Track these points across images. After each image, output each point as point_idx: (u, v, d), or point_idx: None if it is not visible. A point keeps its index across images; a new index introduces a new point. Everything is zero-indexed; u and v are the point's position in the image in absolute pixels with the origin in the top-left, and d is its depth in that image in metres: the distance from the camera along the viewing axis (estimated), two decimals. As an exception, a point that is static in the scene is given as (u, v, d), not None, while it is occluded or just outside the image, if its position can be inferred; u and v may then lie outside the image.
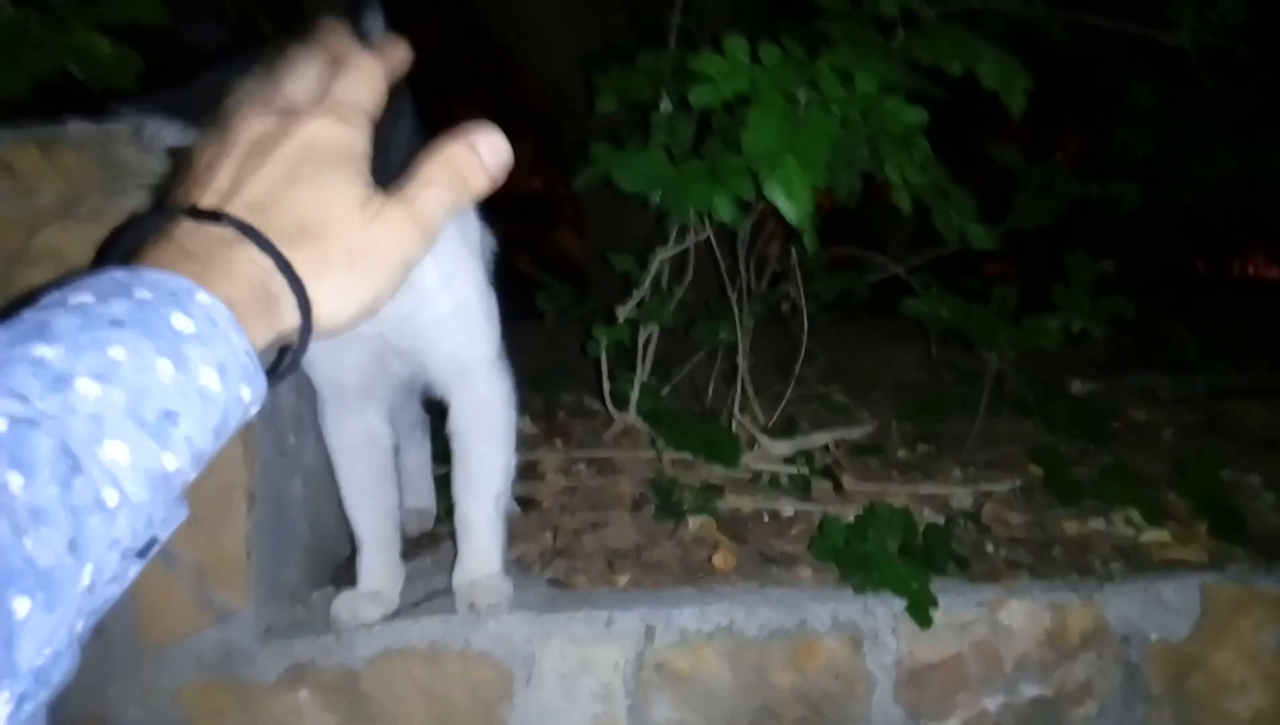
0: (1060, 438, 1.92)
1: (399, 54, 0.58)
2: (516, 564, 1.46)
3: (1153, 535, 1.50)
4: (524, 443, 2.01)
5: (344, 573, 1.41)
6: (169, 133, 0.68)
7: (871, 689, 1.28)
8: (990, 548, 1.50)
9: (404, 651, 1.24)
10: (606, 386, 1.77)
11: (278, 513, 1.29)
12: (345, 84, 0.54)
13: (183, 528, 1.28)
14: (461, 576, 1.27)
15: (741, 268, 1.82)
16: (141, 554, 0.44)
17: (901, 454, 2.01)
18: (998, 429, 2.10)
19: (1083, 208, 2.13)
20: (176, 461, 0.43)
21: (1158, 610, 1.32)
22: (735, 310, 1.78)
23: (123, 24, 1.25)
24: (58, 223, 1.22)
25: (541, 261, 2.40)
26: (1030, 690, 1.29)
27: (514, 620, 1.26)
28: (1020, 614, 1.29)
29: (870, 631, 1.28)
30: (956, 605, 1.29)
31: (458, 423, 1.26)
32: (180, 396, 0.43)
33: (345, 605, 1.26)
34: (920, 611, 1.23)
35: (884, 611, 1.28)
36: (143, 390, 0.42)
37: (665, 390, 1.93)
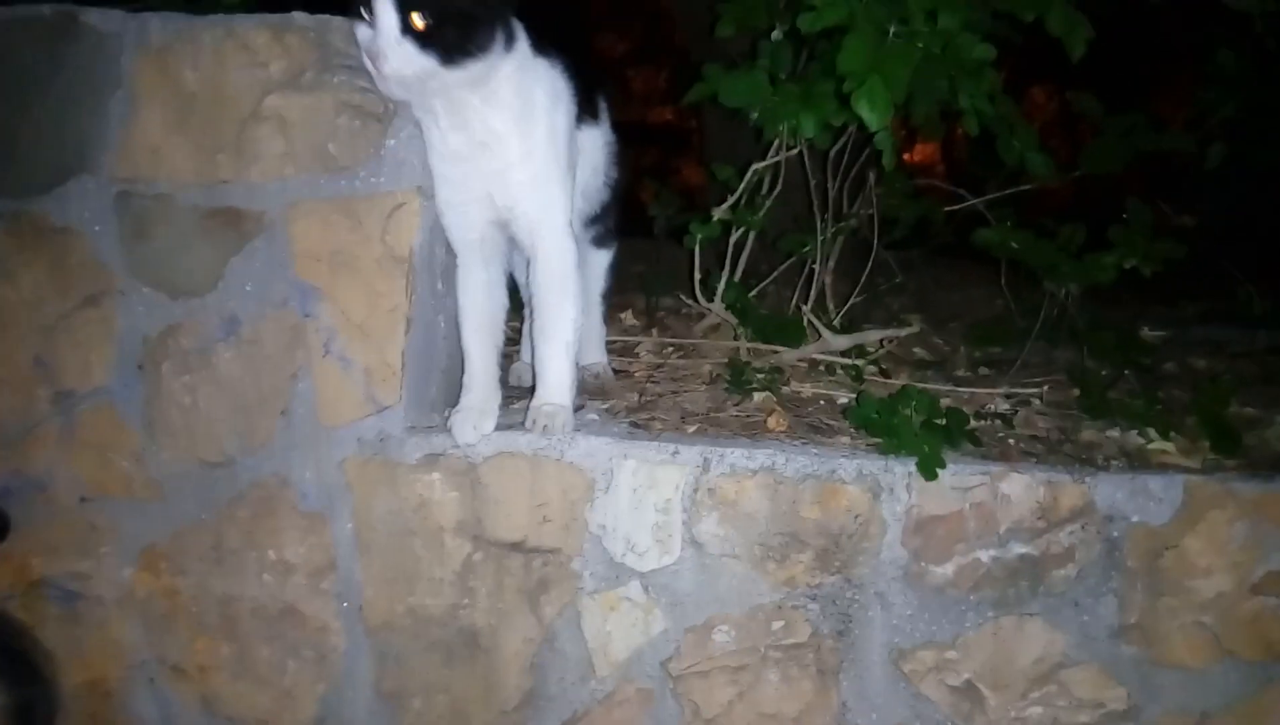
0: (1103, 366, 2.10)
1: None
2: (607, 412, 1.78)
3: (1160, 446, 1.70)
4: (625, 332, 2.34)
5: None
6: None
7: (883, 531, 1.55)
8: (1011, 442, 1.74)
9: (513, 454, 1.57)
10: (697, 276, 2.05)
11: (426, 338, 1.65)
12: None
13: (356, 338, 1.73)
14: (536, 404, 1.59)
15: (829, 187, 2.06)
16: None
17: (961, 372, 2.23)
18: (1057, 359, 2.30)
19: (1169, 164, 2.25)
20: None
21: (1142, 498, 1.53)
22: (819, 223, 2.02)
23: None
24: (281, 91, 1.58)
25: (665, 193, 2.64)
26: (1019, 549, 1.53)
27: (600, 442, 1.58)
28: (1019, 486, 1.53)
29: (887, 485, 1.54)
30: (964, 472, 1.54)
31: (535, 279, 1.58)
32: None
33: (465, 422, 1.55)
34: (928, 467, 1.48)
35: (901, 470, 1.54)
36: None
37: (752, 294, 2.20)
